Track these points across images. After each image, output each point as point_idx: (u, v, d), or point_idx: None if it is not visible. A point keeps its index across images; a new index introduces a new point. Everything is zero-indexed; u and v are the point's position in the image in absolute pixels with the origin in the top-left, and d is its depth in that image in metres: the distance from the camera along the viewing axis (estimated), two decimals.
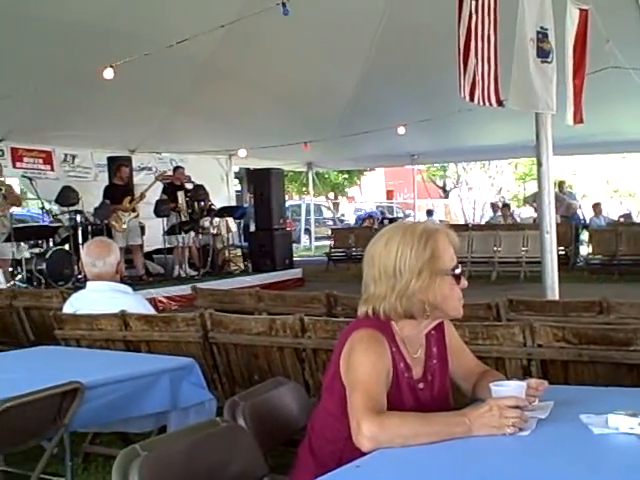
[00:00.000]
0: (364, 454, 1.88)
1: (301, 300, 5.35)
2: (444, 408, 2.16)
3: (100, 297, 4.31)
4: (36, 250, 10.73)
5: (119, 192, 11.90)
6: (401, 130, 14.13)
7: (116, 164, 12.54)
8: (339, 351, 2.17)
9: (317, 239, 22.80)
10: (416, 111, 13.53)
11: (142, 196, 12.03)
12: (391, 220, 23.06)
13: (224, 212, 13.48)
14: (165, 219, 12.10)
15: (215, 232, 13.19)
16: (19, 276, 10.20)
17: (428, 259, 2.13)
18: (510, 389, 2.05)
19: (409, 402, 2.14)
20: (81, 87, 10.25)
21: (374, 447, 1.87)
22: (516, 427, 1.92)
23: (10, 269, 10.25)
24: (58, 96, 10.72)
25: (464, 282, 2.22)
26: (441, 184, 37.95)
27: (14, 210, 10.81)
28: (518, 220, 19.58)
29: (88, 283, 4.41)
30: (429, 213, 22.78)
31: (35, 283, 10.06)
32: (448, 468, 1.78)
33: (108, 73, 8.93)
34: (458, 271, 2.19)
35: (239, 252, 14.35)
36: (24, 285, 9.84)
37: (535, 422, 2.01)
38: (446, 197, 37.37)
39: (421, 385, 2.21)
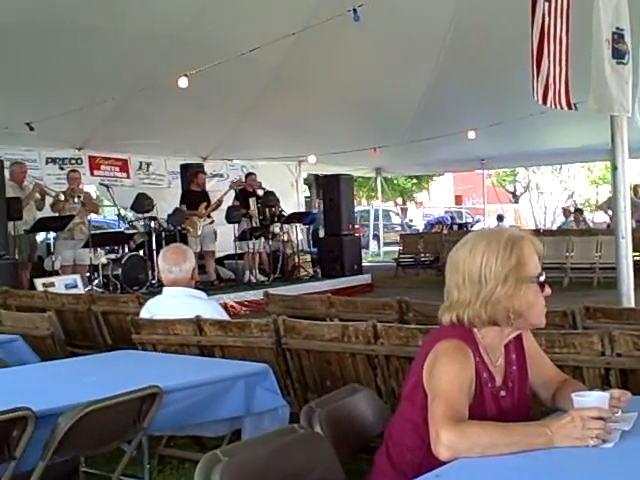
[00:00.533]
0: (443, 463, 1.86)
1: (372, 306, 5.33)
2: (525, 415, 2.16)
3: (176, 302, 4.39)
4: (112, 256, 11.02)
5: (196, 198, 12.14)
6: (471, 135, 13.96)
7: (193, 171, 12.81)
8: (422, 360, 2.16)
9: (385, 244, 22.75)
10: (486, 115, 13.38)
11: (219, 203, 12.24)
12: (460, 225, 22.83)
13: (294, 218, 13.57)
14: (236, 225, 12.26)
15: (285, 238, 13.30)
16: (96, 281, 10.49)
17: (514, 266, 2.12)
18: (593, 399, 2.00)
19: (492, 411, 2.13)
20: (155, 97, 10.47)
21: (452, 456, 1.86)
22: (599, 439, 1.88)
23: (87, 274, 10.55)
24: (133, 106, 11.00)
25: (548, 290, 2.20)
26: (511, 189, 37.41)
27: (91, 217, 11.12)
28: (591, 225, 19.14)
29: (164, 289, 4.50)
30: (499, 218, 22.50)
31: (111, 288, 10.32)
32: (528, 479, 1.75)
33: (183, 82, 9.11)
34: (543, 278, 2.18)
35: (308, 258, 14.43)
36: (100, 290, 10.11)
37: (619, 434, 1.97)
38: (516, 202, 36.81)
39: (503, 393, 2.19)
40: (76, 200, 10.74)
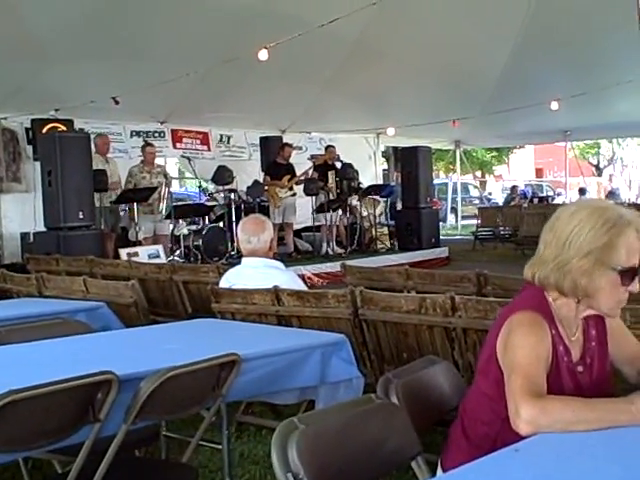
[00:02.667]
0: (519, 437, 1.83)
1: (450, 279, 5.26)
2: (604, 393, 2.08)
3: (254, 273, 4.44)
4: (193, 227, 11.22)
5: (280, 170, 12.27)
6: (554, 105, 13.56)
7: (281, 144, 13.03)
8: (495, 333, 2.11)
9: (463, 218, 22.47)
10: (570, 85, 13.00)
11: (306, 179, 12.31)
12: (541, 199, 22.30)
13: (371, 190, 13.54)
14: (314, 197, 12.31)
15: (362, 211, 13.28)
16: (177, 252, 10.71)
17: (600, 246, 2.01)
18: None
19: (568, 386, 2.07)
20: (236, 69, 10.56)
21: (533, 432, 1.81)
22: None
23: (169, 245, 10.77)
24: (214, 79, 11.11)
25: (635, 286, 2.05)
26: (594, 161, 36.35)
27: (174, 189, 11.34)
28: None
29: (243, 259, 4.55)
30: (582, 192, 21.86)
31: (192, 258, 10.52)
32: (613, 456, 1.70)
33: (262, 54, 9.13)
34: (627, 272, 2.02)
35: (385, 230, 14.40)
36: (181, 260, 10.31)
37: None
38: (599, 175, 35.77)
39: (580, 368, 2.13)
40: (154, 172, 11.01)
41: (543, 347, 2.03)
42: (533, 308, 2.08)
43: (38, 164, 9.87)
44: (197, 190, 12.79)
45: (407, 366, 2.53)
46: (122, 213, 10.96)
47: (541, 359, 2.00)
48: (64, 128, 10.59)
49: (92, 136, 10.43)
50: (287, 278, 4.48)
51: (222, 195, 11.84)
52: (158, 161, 11.80)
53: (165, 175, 10.96)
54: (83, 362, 2.79)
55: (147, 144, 11.55)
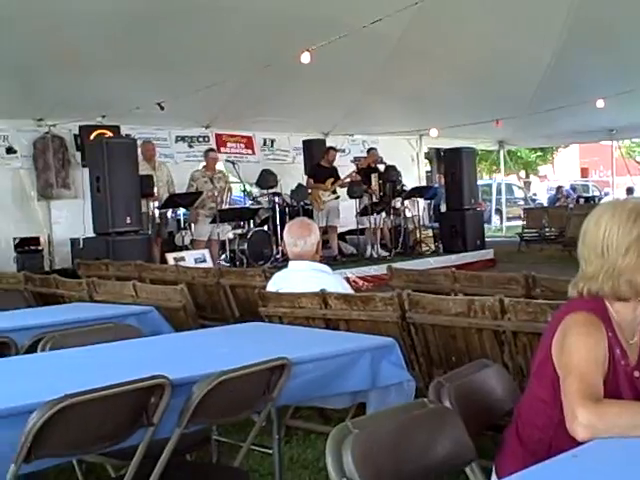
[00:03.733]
0: (574, 442, 1.80)
1: (498, 281, 5.19)
2: None
3: (301, 276, 4.44)
4: (238, 231, 11.30)
5: (324, 173, 12.30)
6: (600, 103, 13.33)
7: (325, 147, 13.08)
8: (550, 335, 2.09)
9: (508, 219, 22.25)
10: (616, 83, 12.76)
11: (350, 183, 12.34)
12: (587, 199, 22.00)
13: (415, 193, 13.48)
14: (358, 200, 12.30)
15: (406, 213, 13.24)
16: (223, 256, 10.78)
17: (635, 237, 2.02)
18: None
19: (626, 391, 2.03)
20: (279, 73, 10.60)
21: (590, 436, 1.78)
22: None
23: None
24: (257, 83, 11.17)
25: None
26: None
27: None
28: None
29: (290, 262, 4.55)
30: (629, 191, 21.49)
31: (237, 262, 10.58)
32: None
33: (305, 57, 9.12)
34: None
35: (430, 233, 14.32)
36: (227, 264, 10.38)
37: None
38: None
39: (637, 373, 2.08)
40: (216, 177, 11.15)
41: (600, 349, 2.00)
42: (589, 309, 2.06)
43: (86, 170, 10.02)
44: (242, 194, 12.88)
45: (459, 370, 2.50)
46: (170, 217, 11.09)
47: (598, 362, 1.98)
48: (111, 134, 10.75)
49: (138, 142, 10.57)
50: (334, 281, 4.47)
51: (266, 199, 11.93)
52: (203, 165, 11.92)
53: (226, 180, 11.10)
54: (136, 366, 2.82)
55: (210, 149, 11.77)
